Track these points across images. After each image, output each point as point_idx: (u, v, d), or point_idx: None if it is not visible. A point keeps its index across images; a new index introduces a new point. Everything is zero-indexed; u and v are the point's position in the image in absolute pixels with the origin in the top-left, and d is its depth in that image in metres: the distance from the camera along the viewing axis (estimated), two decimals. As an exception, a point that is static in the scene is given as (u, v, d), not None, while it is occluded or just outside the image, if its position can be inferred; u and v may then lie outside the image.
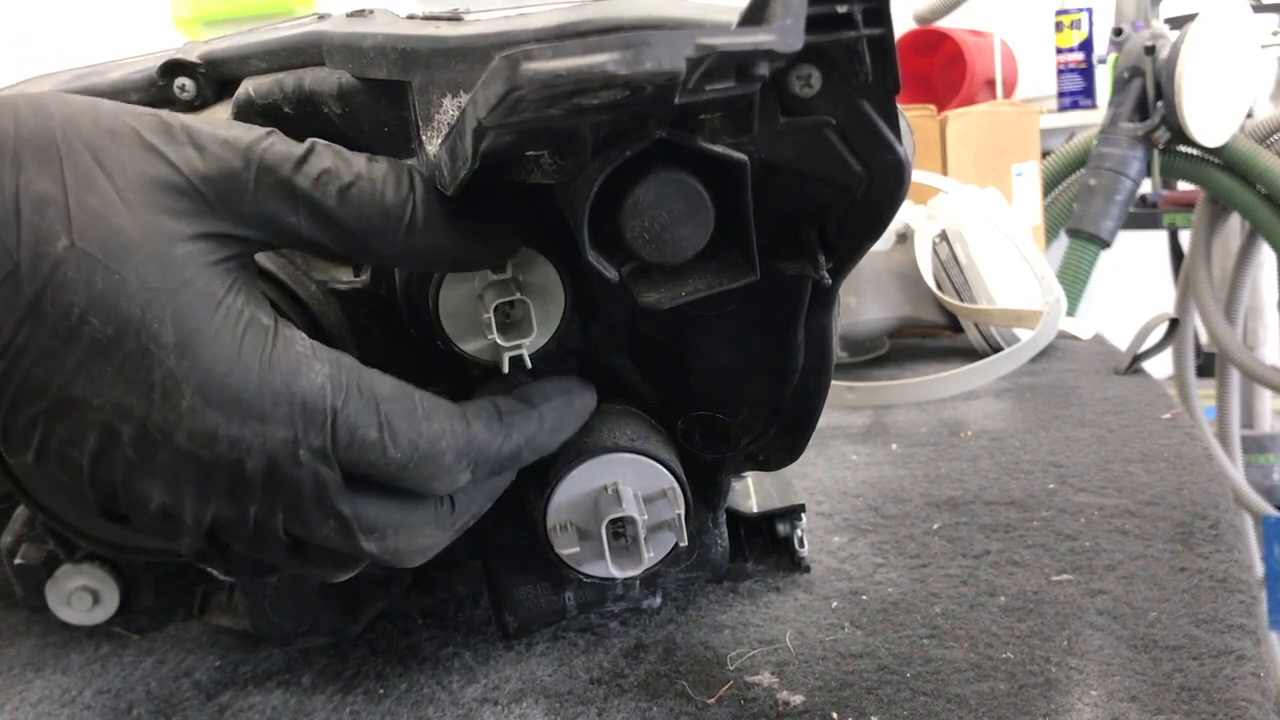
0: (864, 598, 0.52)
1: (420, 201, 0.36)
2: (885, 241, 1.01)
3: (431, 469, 0.36)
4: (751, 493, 0.56)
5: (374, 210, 0.35)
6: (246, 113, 0.40)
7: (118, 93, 0.43)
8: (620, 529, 0.43)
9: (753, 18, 0.29)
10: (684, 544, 0.43)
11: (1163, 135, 1.57)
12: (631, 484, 0.42)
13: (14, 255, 0.32)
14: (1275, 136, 1.65)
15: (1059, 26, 2.34)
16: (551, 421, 0.40)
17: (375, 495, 0.36)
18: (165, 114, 0.35)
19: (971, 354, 0.99)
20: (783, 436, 0.46)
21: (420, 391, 0.37)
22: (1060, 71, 2.36)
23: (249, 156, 0.34)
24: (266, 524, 0.35)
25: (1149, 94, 1.57)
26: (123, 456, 0.34)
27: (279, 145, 0.35)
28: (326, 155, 0.35)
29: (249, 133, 0.35)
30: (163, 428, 0.33)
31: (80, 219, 0.32)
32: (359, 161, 0.36)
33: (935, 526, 0.60)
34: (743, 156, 0.33)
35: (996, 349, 0.97)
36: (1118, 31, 1.63)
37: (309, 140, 0.36)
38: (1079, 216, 1.60)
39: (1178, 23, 1.62)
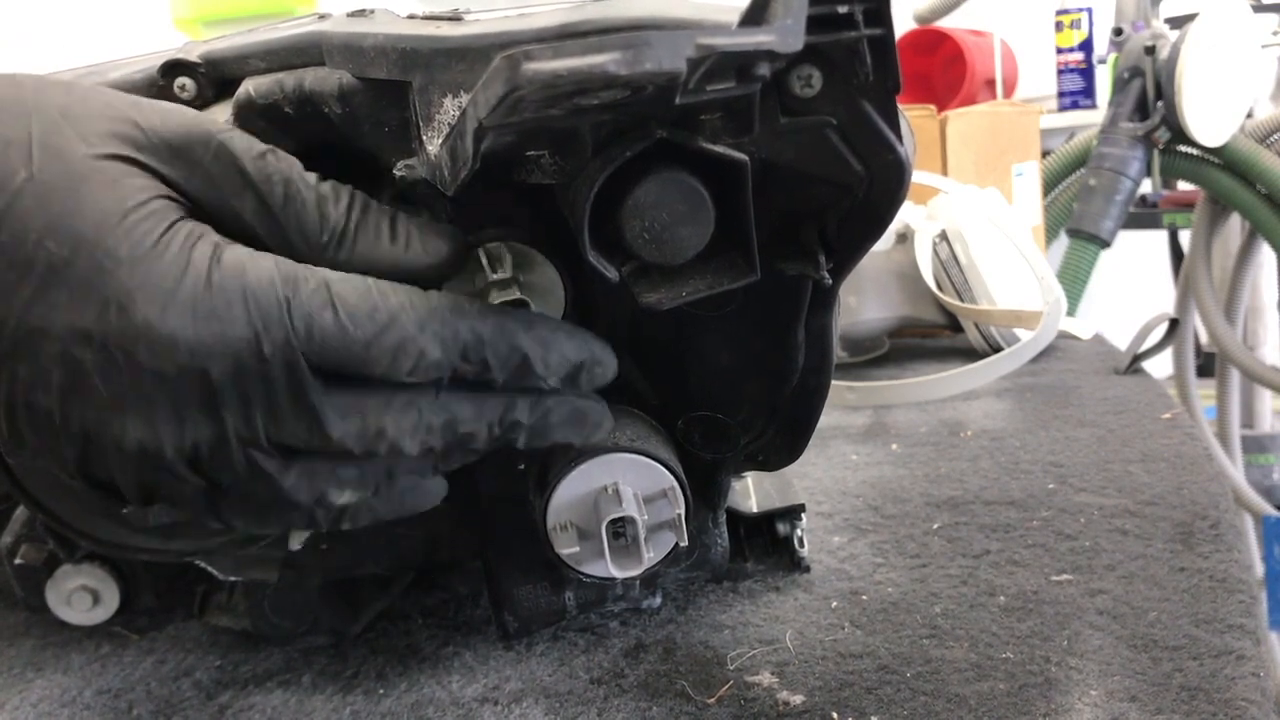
0: (864, 598, 0.52)
1: (354, 220, 0.37)
2: (885, 241, 1.01)
3: (394, 339, 0.35)
4: (751, 493, 0.56)
5: (309, 219, 0.37)
6: (247, 112, 0.40)
7: (118, 92, 0.43)
8: (620, 529, 0.43)
9: (753, 18, 0.29)
10: (684, 544, 0.43)
11: (1163, 135, 1.57)
12: (632, 484, 0.42)
13: None
14: (1275, 136, 1.65)
15: (1059, 26, 2.34)
16: (539, 331, 0.38)
17: (353, 386, 0.36)
18: (139, 98, 0.37)
19: (971, 354, 0.99)
20: (783, 436, 0.46)
21: (378, 280, 0.37)
22: (1060, 71, 2.36)
23: (209, 135, 0.36)
24: (248, 437, 0.35)
25: (1149, 94, 1.57)
26: (90, 390, 0.34)
27: (240, 138, 0.37)
28: (284, 161, 0.37)
29: (214, 121, 0.37)
30: (123, 345, 0.33)
31: (40, 155, 0.34)
32: (310, 176, 0.37)
33: (935, 526, 0.60)
34: (743, 157, 0.33)
35: (996, 349, 0.97)
36: (1118, 31, 1.63)
37: (271, 145, 0.37)
38: (1079, 216, 1.61)
39: (1178, 23, 1.62)
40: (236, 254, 0.35)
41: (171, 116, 0.36)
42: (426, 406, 0.37)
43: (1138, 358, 0.93)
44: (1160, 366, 1.35)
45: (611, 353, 0.40)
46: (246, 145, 0.37)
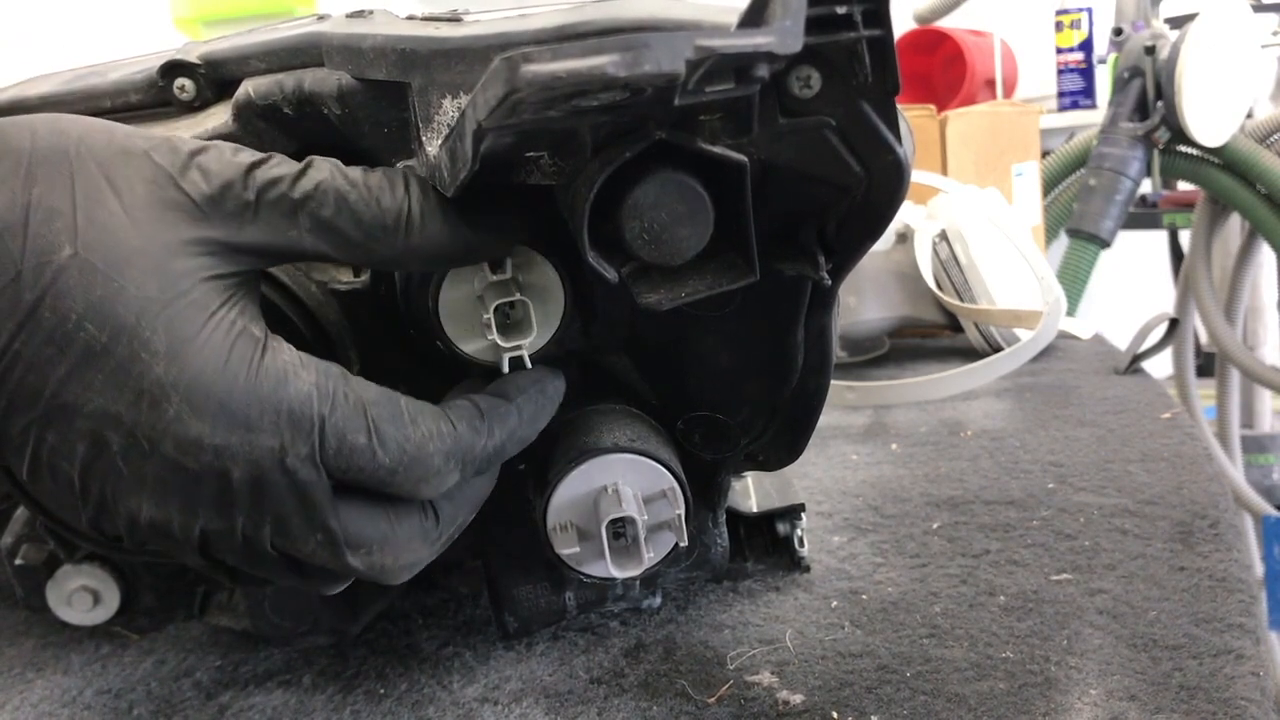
0: (864, 597, 0.52)
1: (416, 202, 0.36)
2: (885, 241, 1.01)
3: (420, 471, 0.36)
4: (751, 492, 0.56)
5: (371, 216, 0.36)
6: (246, 113, 0.40)
7: (118, 93, 0.43)
8: (620, 529, 0.43)
9: (752, 19, 0.29)
10: (684, 544, 0.43)
11: (1163, 135, 1.57)
12: (631, 484, 0.42)
13: (18, 264, 0.32)
14: (1275, 136, 1.65)
15: (1059, 26, 2.34)
16: (529, 413, 0.40)
17: (362, 507, 0.36)
18: (174, 138, 0.36)
19: (971, 354, 0.99)
20: (783, 436, 0.46)
21: (405, 396, 0.37)
22: (1060, 71, 2.36)
23: (250, 177, 0.35)
24: (254, 538, 0.35)
25: (1149, 94, 1.57)
26: (112, 467, 0.34)
27: (279, 165, 0.36)
28: (324, 168, 0.36)
29: (252, 155, 0.36)
30: (150, 436, 0.33)
31: (85, 230, 0.33)
32: (354, 172, 0.37)
33: (935, 526, 0.60)
34: (742, 158, 0.33)
35: (996, 349, 0.97)
36: (1118, 31, 1.63)
37: (307, 158, 0.37)
38: (1079, 216, 1.60)
39: (1178, 23, 1.62)
40: (279, 360, 0.35)
41: (211, 168, 0.35)
42: (429, 535, 0.38)
43: (1138, 358, 0.93)
44: (1160, 366, 1.35)
45: (563, 379, 0.42)
46: (284, 170, 0.36)
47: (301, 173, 0.36)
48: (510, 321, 0.40)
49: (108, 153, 0.34)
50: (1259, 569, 1.76)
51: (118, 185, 0.34)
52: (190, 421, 0.33)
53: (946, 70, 2.22)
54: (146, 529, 0.35)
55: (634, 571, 0.43)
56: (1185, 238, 2.02)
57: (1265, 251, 1.82)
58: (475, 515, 0.41)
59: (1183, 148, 1.63)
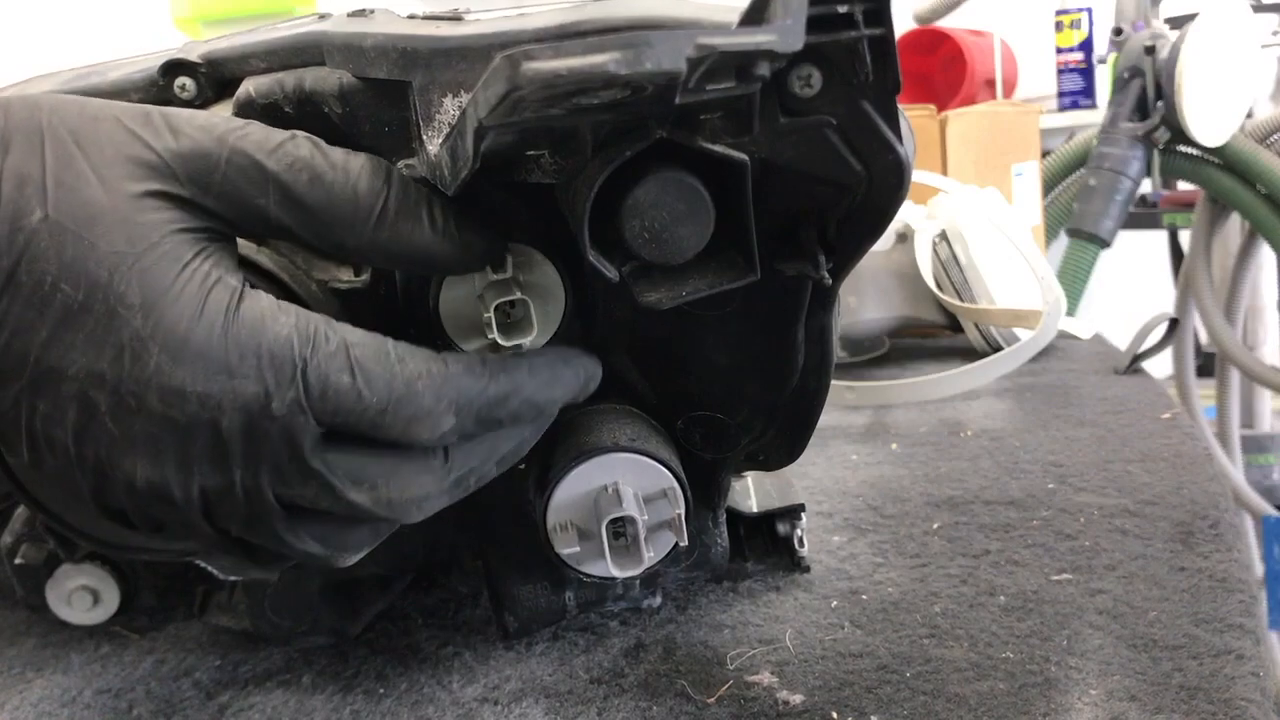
0: (864, 597, 0.52)
1: (395, 197, 0.36)
2: (885, 241, 1.01)
3: (410, 410, 0.35)
4: (751, 492, 0.56)
5: (343, 199, 0.36)
6: (247, 112, 0.40)
7: (118, 92, 0.43)
8: (620, 529, 0.43)
9: (753, 18, 0.29)
10: (684, 544, 0.43)
11: (1163, 135, 1.57)
12: (632, 484, 0.42)
13: None
14: (1275, 136, 1.65)
15: (1059, 26, 2.34)
16: (544, 375, 0.39)
17: (360, 447, 0.36)
18: (150, 106, 0.36)
19: (971, 354, 0.99)
20: (783, 436, 0.46)
21: (394, 340, 0.36)
22: (1060, 71, 2.36)
23: (223, 139, 0.36)
24: (254, 491, 0.35)
25: (1149, 94, 1.57)
26: (103, 429, 0.34)
27: (256, 132, 0.36)
28: (304, 145, 0.36)
29: (227, 120, 0.36)
30: (135, 390, 0.33)
31: (55, 192, 0.33)
32: (336, 154, 0.36)
33: (935, 526, 0.60)
34: (743, 156, 0.33)
35: (996, 349, 0.97)
36: (1118, 31, 1.63)
37: (290, 130, 0.36)
38: (1079, 216, 1.60)
39: (1178, 23, 1.62)
40: (255, 306, 0.34)
41: (184, 129, 0.36)
42: (437, 471, 0.38)
43: (1138, 358, 0.93)
44: (1160, 366, 1.35)
45: (598, 362, 0.41)
46: (263, 138, 0.36)
47: (279, 144, 0.36)
48: (511, 321, 0.40)
49: (79, 119, 0.35)
50: (1259, 569, 1.76)
51: (86, 148, 0.34)
52: (172, 371, 0.33)
53: (946, 70, 2.23)
54: (146, 493, 0.35)
55: (634, 571, 0.43)
56: (1185, 238, 2.02)
57: (1265, 251, 1.82)
58: (501, 472, 0.40)
59: (1183, 148, 1.63)
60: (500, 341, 0.39)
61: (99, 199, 0.34)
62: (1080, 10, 2.30)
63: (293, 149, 0.36)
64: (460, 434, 0.37)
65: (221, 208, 0.35)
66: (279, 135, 0.36)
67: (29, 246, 0.33)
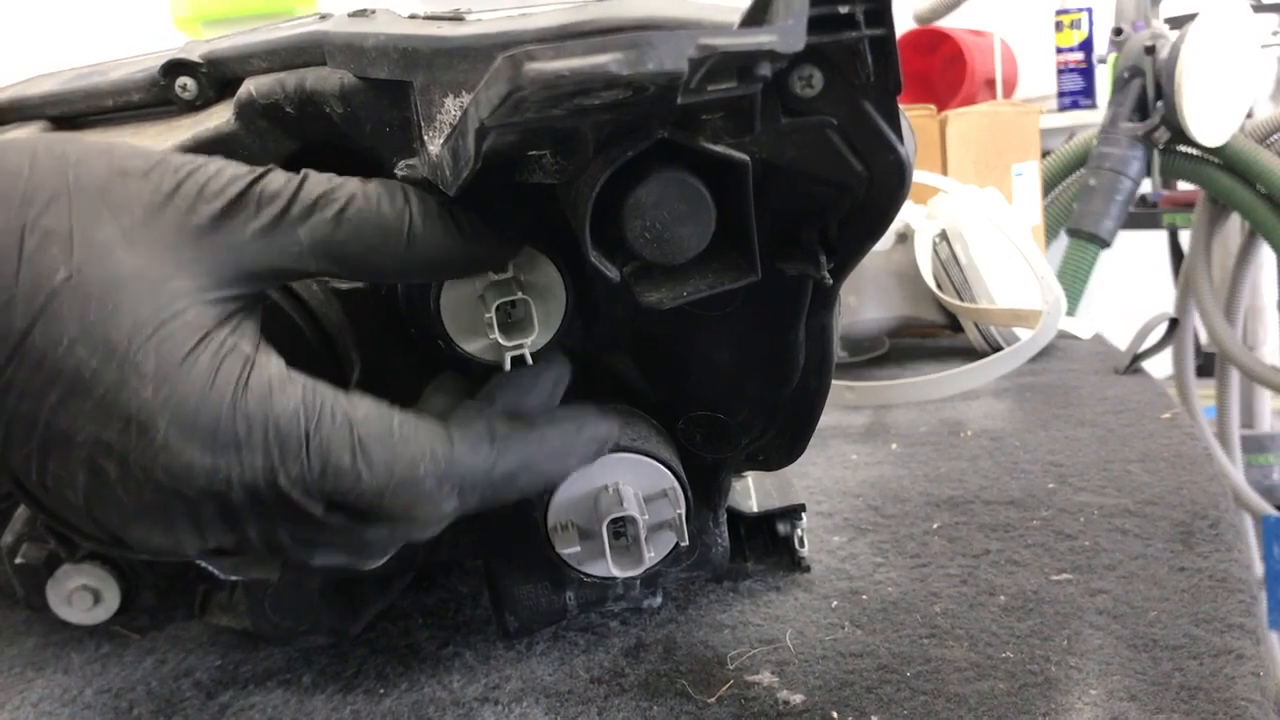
0: (864, 597, 0.52)
1: (417, 212, 0.36)
2: (885, 241, 1.01)
3: (410, 495, 0.35)
4: (752, 492, 0.56)
5: (371, 228, 0.35)
6: (248, 112, 0.40)
7: (119, 92, 0.43)
8: (621, 528, 0.43)
9: (754, 18, 0.29)
10: (684, 544, 0.43)
11: (1163, 135, 1.57)
12: (632, 484, 0.42)
13: (11, 289, 0.32)
14: (1275, 136, 1.65)
15: (1059, 26, 2.34)
16: (555, 445, 0.38)
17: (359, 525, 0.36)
18: (174, 157, 0.35)
19: (971, 354, 0.99)
20: (783, 436, 0.46)
21: (402, 414, 0.35)
22: (1060, 71, 2.36)
23: (249, 195, 0.35)
24: (271, 541, 0.35)
25: (1149, 94, 1.57)
26: (114, 497, 0.33)
27: (276, 179, 0.35)
28: (320, 182, 0.36)
29: (250, 172, 0.35)
30: (142, 464, 0.33)
31: (81, 253, 0.32)
32: (351, 183, 0.36)
33: (935, 526, 0.60)
34: (744, 157, 0.33)
35: (996, 349, 0.97)
36: (1118, 31, 1.63)
37: (301, 171, 0.36)
38: (1079, 216, 1.60)
39: (1178, 23, 1.62)
40: (264, 377, 0.34)
41: (209, 186, 0.34)
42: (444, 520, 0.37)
43: (1138, 358, 0.93)
44: (1160, 366, 1.35)
45: (614, 424, 0.40)
46: (282, 184, 0.35)
47: (299, 187, 0.35)
48: (512, 320, 0.40)
49: (106, 175, 0.34)
50: (1259, 569, 1.76)
51: (115, 208, 0.33)
52: (179, 447, 0.32)
53: (946, 70, 2.23)
54: (160, 552, 0.35)
55: (634, 571, 0.43)
56: (1185, 238, 2.02)
57: (1265, 251, 1.82)
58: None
59: (1183, 148, 1.63)
60: (501, 341, 0.39)
61: (127, 262, 0.33)
62: (1080, 10, 2.30)
63: (312, 189, 0.35)
64: (464, 512, 0.37)
65: (256, 265, 0.35)
66: (294, 178, 0.35)
67: (48, 307, 0.32)
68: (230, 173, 0.35)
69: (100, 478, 0.33)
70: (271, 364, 0.34)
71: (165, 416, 0.32)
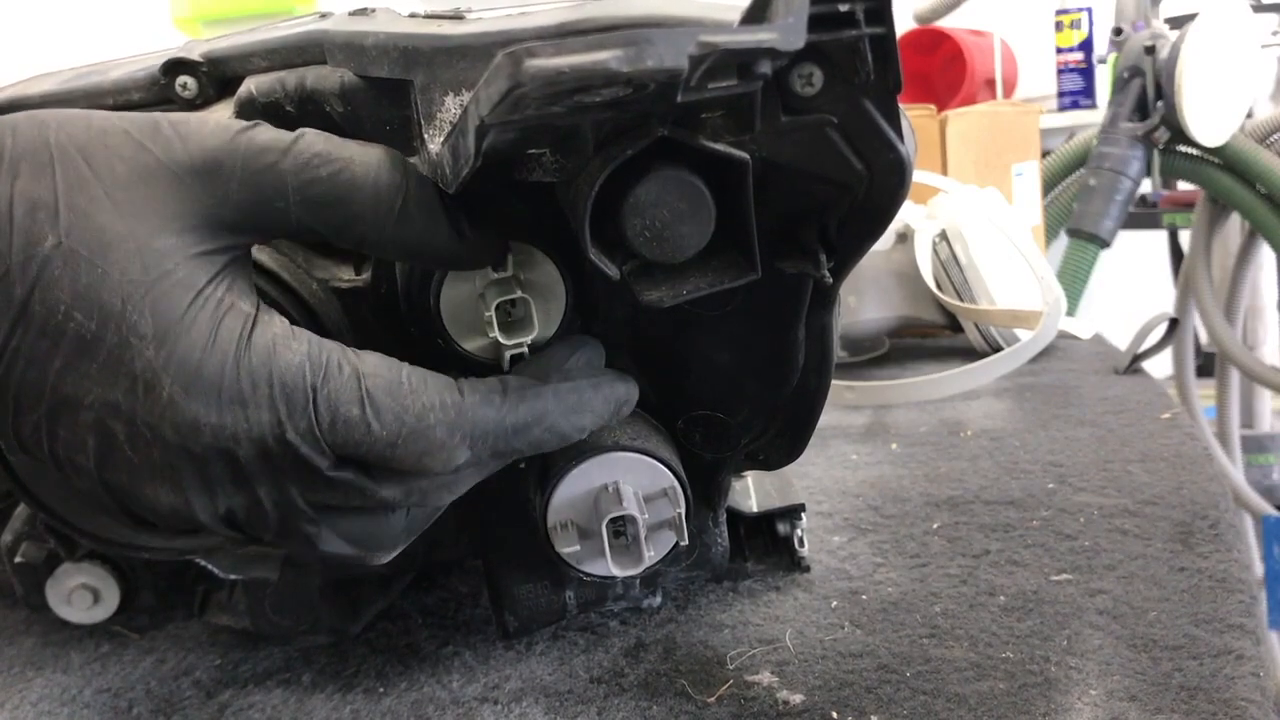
0: (864, 597, 0.52)
1: (415, 190, 0.36)
2: (885, 241, 1.01)
3: (422, 445, 0.35)
4: (751, 492, 0.56)
5: (365, 194, 0.35)
6: (249, 111, 0.40)
7: (119, 91, 0.43)
8: (621, 528, 0.43)
9: (755, 16, 0.29)
10: (684, 543, 0.43)
11: (1163, 135, 1.57)
12: (632, 483, 0.42)
13: (6, 259, 0.32)
14: (1275, 136, 1.65)
15: (1059, 26, 2.34)
16: (569, 401, 0.38)
17: (375, 474, 0.36)
18: (157, 114, 0.35)
19: (971, 354, 0.99)
20: (783, 436, 0.46)
21: (411, 367, 0.36)
22: (1060, 71, 2.36)
23: (234, 144, 0.35)
24: (283, 502, 0.35)
25: (1149, 94, 1.57)
26: (123, 456, 0.34)
27: (265, 133, 0.35)
28: (318, 141, 0.36)
29: (235, 123, 0.35)
30: (149, 422, 0.33)
31: (68, 218, 0.33)
32: (351, 147, 0.36)
33: (935, 526, 0.60)
34: (744, 155, 0.33)
35: (996, 349, 0.97)
36: (1118, 31, 1.63)
37: (300, 128, 0.36)
38: (1079, 216, 1.60)
39: (1178, 23, 1.62)
40: (267, 333, 0.34)
41: (191, 138, 0.35)
42: (457, 485, 0.38)
43: (1138, 358, 0.93)
44: (1160, 366, 1.35)
45: (633, 385, 0.40)
46: (273, 138, 0.35)
47: (292, 143, 0.35)
48: (512, 319, 0.40)
49: (86, 136, 0.34)
50: (1259, 569, 1.76)
51: (97, 168, 0.33)
52: (184, 403, 0.33)
53: (946, 70, 2.23)
54: (170, 515, 0.35)
55: (634, 570, 0.43)
56: (1185, 238, 2.02)
57: (1265, 251, 1.82)
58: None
59: (1183, 148, 1.63)
60: (501, 340, 0.39)
61: (113, 224, 0.33)
62: (1080, 10, 2.30)
63: (306, 145, 0.35)
64: (477, 463, 0.37)
65: (240, 217, 0.35)
66: (289, 135, 0.35)
67: (42, 274, 0.32)
68: (214, 122, 0.35)
69: (109, 439, 0.33)
70: (275, 321, 0.35)
71: (169, 374, 0.33)
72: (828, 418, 0.74)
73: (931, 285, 0.98)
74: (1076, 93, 2.34)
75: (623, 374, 0.40)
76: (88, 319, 0.32)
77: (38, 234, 0.32)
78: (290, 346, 0.34)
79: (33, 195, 0.33)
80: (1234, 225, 1.87)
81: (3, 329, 0.32)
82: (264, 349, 0.34)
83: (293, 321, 0.41)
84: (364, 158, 0.36)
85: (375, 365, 0.35)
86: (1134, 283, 2.42)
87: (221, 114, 0.42)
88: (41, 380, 0.33)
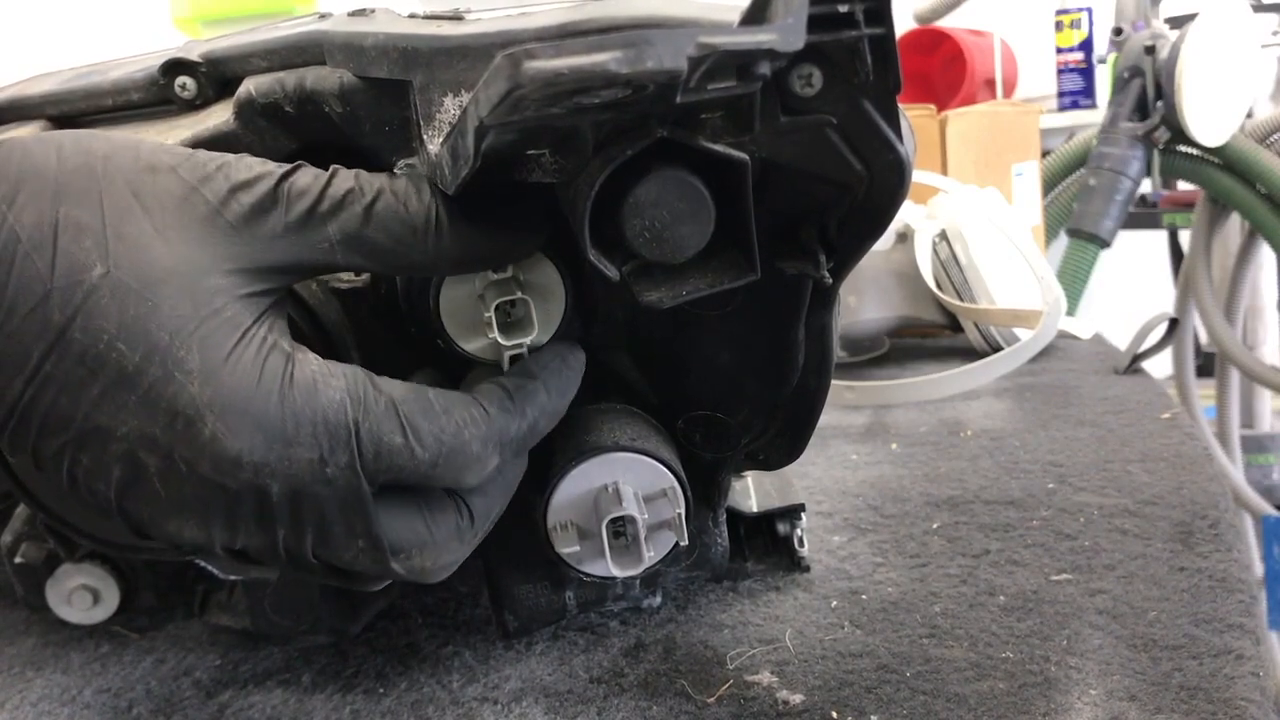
0: (864, 597, 0.52)
1: (442, 207, 0.36)
2: (885, 241, 1.01)
3: (461, 460, 0.36)
4: (751, 492, 0.56)
5: (400, 223, 0.36)
6: (247, 111, 0.40)
7: (119, 91, 0.43)
8: (620, 528, 0.43)
9: (754, 17, 0.29)
10: (684, 543, 0.43)
11: (1163, 135, 1.57)
12: (632, 483, 0.42)
13: (47, 282, 0.32)
14: (1275, 136, 1.65)
15: (1059, 26, 2.34)
16: (557, 387, 0.40)
17: (399, 511, 0.36)
18: (201, 153, 0.36)
19: (971, 354, 0.99)
20: (783, 436, 0.46)
21: (432, 388, 0.37)
22: (1060, 71, 2.36)
23: (279, 191, 0.35)
24: (296, 549, 0.35)
25: (1149, 94, 1.57)
26: (149, 490, 0.34)
27: (305, 177, 0.36)
28: (348, 178, 0.36)
29: (278, 168, 0.36)
30: (187, 457, 0.33)
31: (117, 248, 0.33)
32: (379, 179, 0.36)
33: (935, 526, 0.60)
34: (744, 156, 0.33)
35: (996, 349, 0.97)
36: (1118, 31, 1.63)
37: (331, 167, 0.36)
38: (1079, 216, 1.60)
39: (1178, 23, 1.62)
40: (307, 371, 0.34)
41: (239, 183, 0.35)
42: (465, 535, 0.39)
43: (1137, 357, 0.93)
44: (1160, 366, 1.35)
45: (580, 350, 0.41)
46: (311, 182, 0.36)
47: (328, 183, 0.36)
48: (511, 320, 0.40)
49: (134, 169, 0.34)
50: (1259, 569, 1.76)
51: (147, 202, 0.33)
52: (227, 440, 0.33)
53: (946, 70, 2.23)
54: (187, 547, 0.35)
55: (634, 570, 0.43)
56: (1185, 238, 2.02)
57: (1265, 251, 1.82)
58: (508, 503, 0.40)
59: (1183, 148, 1.63)
60: (501, 340, 0.39)
61: (165, 260, 0.33)
62: (1080, 10, 2.30)
63: (341, 185, 0.36)
64: (502, 466, 0.38)
65: (286, 261, 0.35)
66: (324, 175, 0.36)
67: (87, 302, 0.32)
68: (259, 169, 0.36)
69: (138, 471, 0.33)
70: (310, 358, 0.35)
71: (213, 412, 0.33)
72: (828, 418, 0.74)
73: (931, 285, 0.98)
74: (1076, 93, 2.34)
75: (570, 343, 0.41)
76: (131, 351, 0.32)
77: (84, 260, 0.32)
78: (330, 384, 0.34)
79: (79, 220, 0.32)
80: (1234, 225, 1.87)
81: (36, 352, 0.32)
82: (306, 387, 0.34)
83: (293, 324, 0.41)
84: (391, 187, 0.36)
85: (404, 391, 0.36)
86: (1134, 283, 2.42)
87: (224, 113, 0.41)
88: (73, 408, 0.33)
